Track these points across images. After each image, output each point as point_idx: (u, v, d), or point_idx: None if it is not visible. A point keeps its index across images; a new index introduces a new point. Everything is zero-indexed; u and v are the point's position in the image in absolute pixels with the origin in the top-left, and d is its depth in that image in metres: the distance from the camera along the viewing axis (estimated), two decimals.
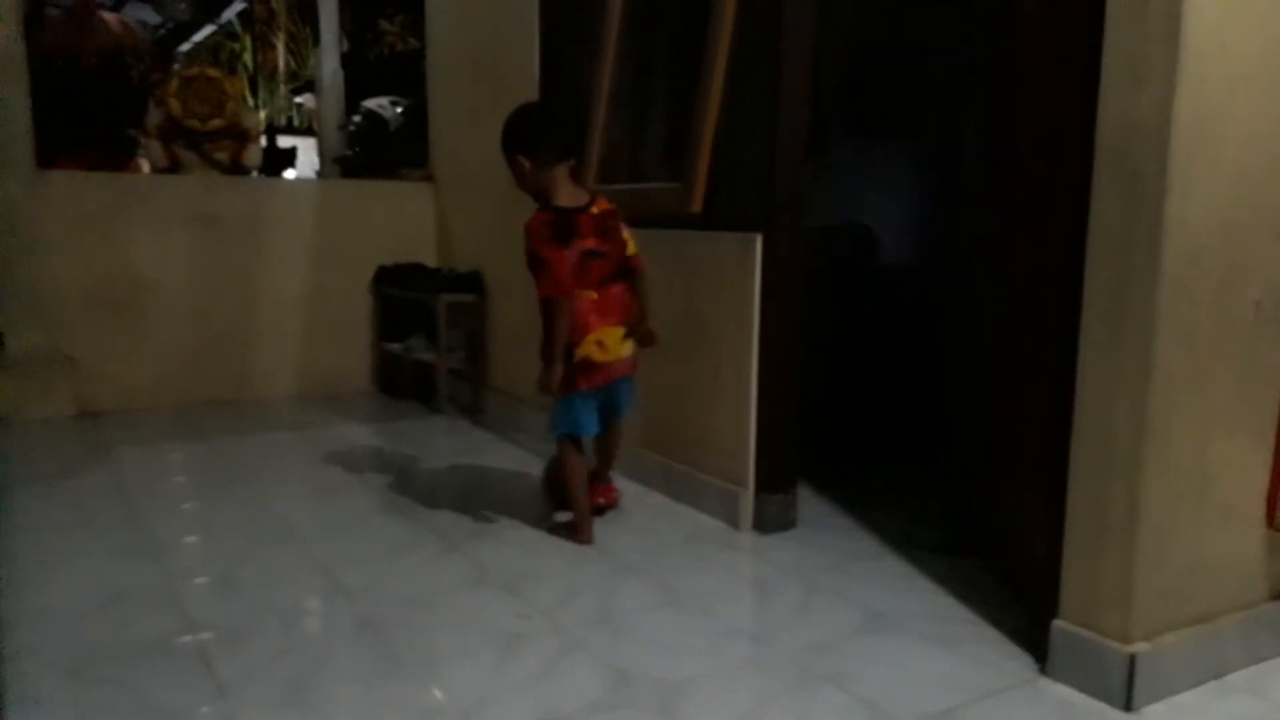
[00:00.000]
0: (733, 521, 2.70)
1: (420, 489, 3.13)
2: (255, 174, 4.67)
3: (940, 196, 4.25)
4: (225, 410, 4.17)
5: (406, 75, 5.28)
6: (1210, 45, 1.59)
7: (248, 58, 10.71)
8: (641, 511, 2.87)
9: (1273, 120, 1.72)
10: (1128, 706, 1.70)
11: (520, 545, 2.56)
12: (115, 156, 4.55)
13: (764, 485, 2.66)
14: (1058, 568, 1.82)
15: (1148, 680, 1.71)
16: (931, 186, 4.32)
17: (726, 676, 1.85)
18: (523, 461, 3.40)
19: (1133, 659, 1.70)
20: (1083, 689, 1.77)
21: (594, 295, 2.46)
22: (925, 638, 2.02)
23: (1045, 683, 1.81)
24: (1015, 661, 1.90)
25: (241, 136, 4.56)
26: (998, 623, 2.07)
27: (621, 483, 3.12)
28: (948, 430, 2.70)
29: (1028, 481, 2.07)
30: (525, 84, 3.68)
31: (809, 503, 2.85)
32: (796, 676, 1.84)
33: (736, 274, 2.65)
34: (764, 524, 2.66)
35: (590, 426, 2.56)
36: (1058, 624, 1.81)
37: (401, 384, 4.59)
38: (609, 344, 2.48)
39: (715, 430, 2.79)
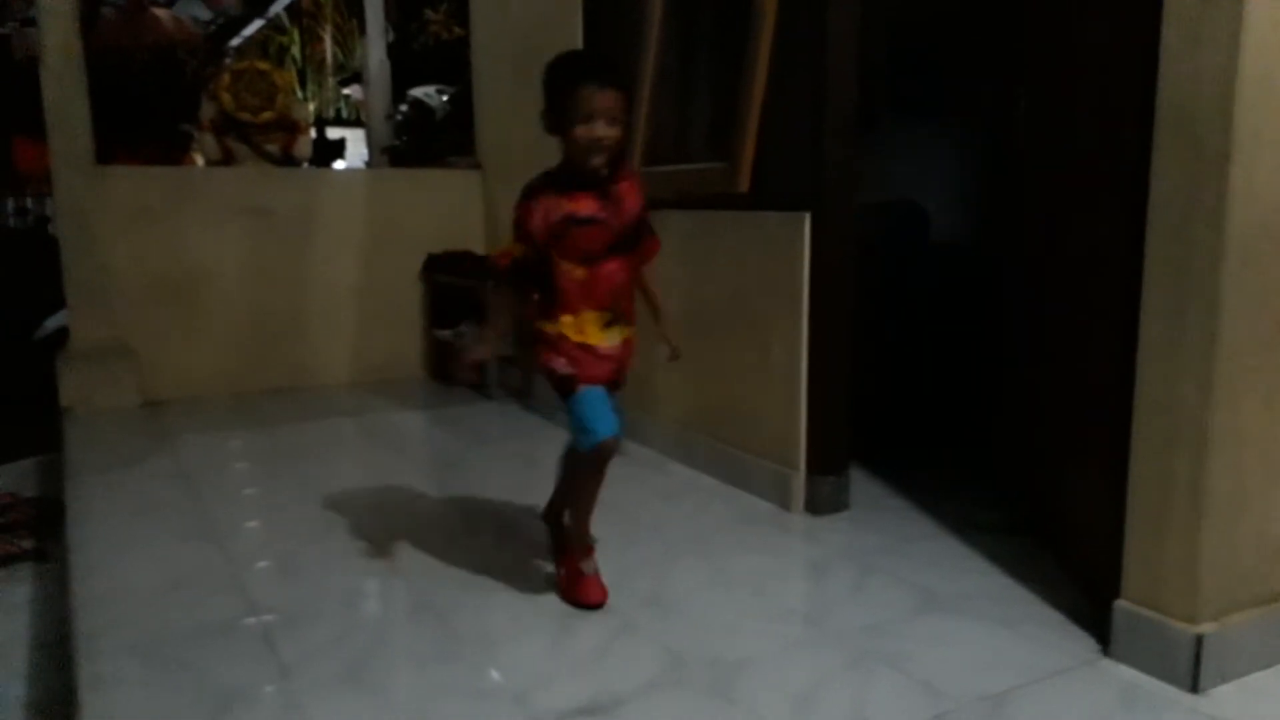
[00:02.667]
0: (785, 504, 2.68)
1: (474, 472, 3.16)
2: (305, 165, 4.74)
3: (992, 172, 4.16)
4: (282, 398, 4.24)
5: (452, 64, 5.30)
6: (1275, 4, 1.54)
7: (296, 51, 10.84)
8: (693, 494, 2.87)
9: None
10: (1194, 688, 1.67)
11: None
12: (171, 150, 4.65)
13: (816, 467, 2.65)
14: (1120, 547, 1.78)
15: (1215, 662, 1.67)
16: (983, 162, 4.23)
17: (781, 657, 1.85)
18: None
19: (1199, 640, 1.66)
20: (1147, 670, 1.73)
21: (580, 273, 1.97)
22: (982, 618, 1.99)
23: (1107, 664, 1.78)
24: (1076, 643, 1.87)
25: (292, 128, 4.63)
26: (1057, 604, 2.04)
27: (672, 466, 3.12)
28: (1002, 410, 2.65)
29: (1088, 459, 2.03)
30: None
31: (861, 485, 2.83)
32: (852, 657, 1.83)
33: (785, 253, 2.63)
34: (816, 506, 2.64)
35: (606, 421, 2.00)
36: (1120, 604, 1.78)
37: (452, 370, 4.63)
38: (589, 328, 2.01)
39: (766, 412, 2.77)
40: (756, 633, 1.95)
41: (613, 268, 1.99)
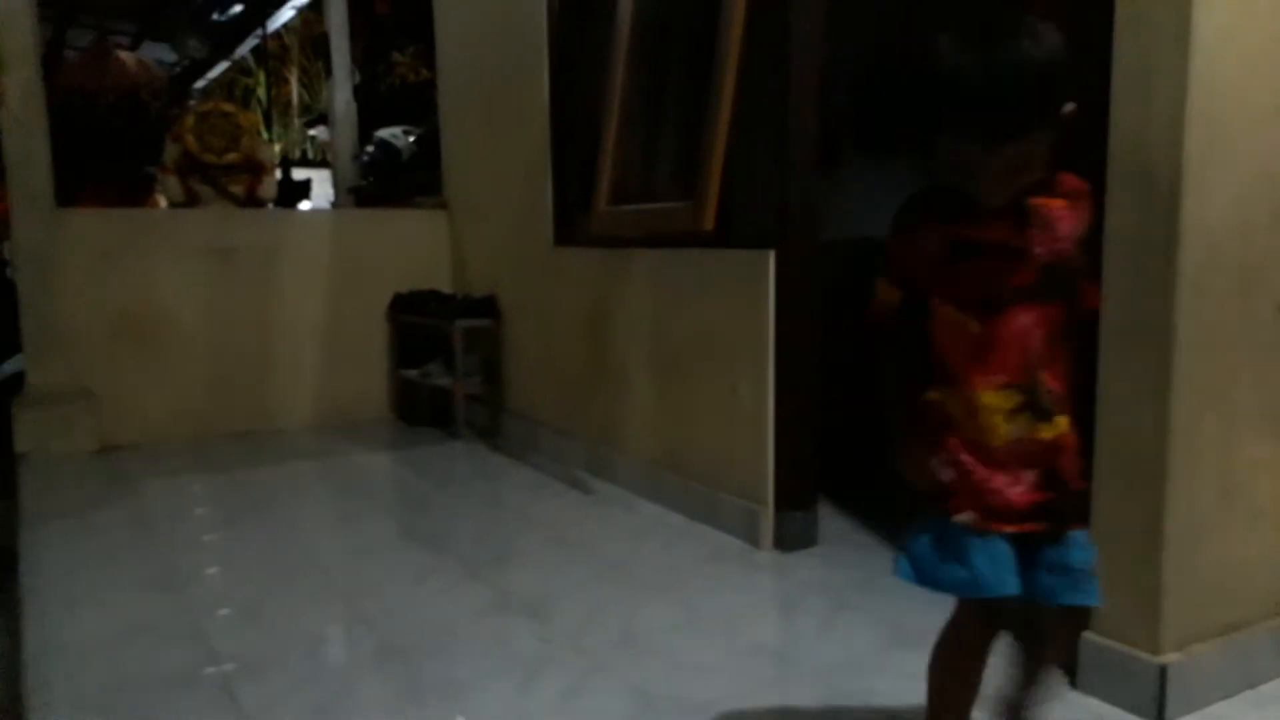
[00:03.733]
0: (753, 540, 2.68)
1: (440, 515, 3.12)
2: (270, 206, 4.72)
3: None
4: (245, 441, 4.18)
5: (419, 105, 5.33)
6: (1220, 41, 1.58)
7: (261, 92, 10.85)
8: (661, 531, 2.85)
9: None
10: (1160, 718, 1.67)
11: (541, 568, 2.55)
12: (134, 193, 4.62)
13: (784, 503, 2.65)
14: None
15: (1180, 691, 1.68)
16: None
17: (752, 696, 1.83)
18: (541, 485, 3.40)
19: (1164, 670, 1.67)
20: (1114, 702, 1.73)
21: (975, 326, 1.32)
22: None
23: (1075, 696, 1.78)
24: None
25: (257, 169, 4.61)
26: None
27: (641, 503, 3.11)
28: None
29: None
30: (536, 109, 3.70)
31: (830, 520, 2.83)
32: (823, 695, 1.82)
33: (751, 291, 2.65)
34: (785, 542, 2.64)
35: (996, 578, 1.31)
36: (1086, 636, 1.78)
37: (419, 411, 4.60)
38: (982, 413, 1.32)
39: (734, 448, 2.77)
40: (727, 672, 1.93)
41: (1026, 320, 1.30)
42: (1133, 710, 1.70)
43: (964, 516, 1.33)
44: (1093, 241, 1.38)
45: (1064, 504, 1.33)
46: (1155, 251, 1.62)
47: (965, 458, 1.33)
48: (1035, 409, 1.32)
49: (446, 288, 4.64)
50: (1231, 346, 1.69)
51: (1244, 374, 1.72)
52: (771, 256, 2.58)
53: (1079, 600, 1.33)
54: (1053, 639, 1.47)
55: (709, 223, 2.77)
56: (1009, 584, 1.30)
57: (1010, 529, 1.30)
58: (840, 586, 2.38)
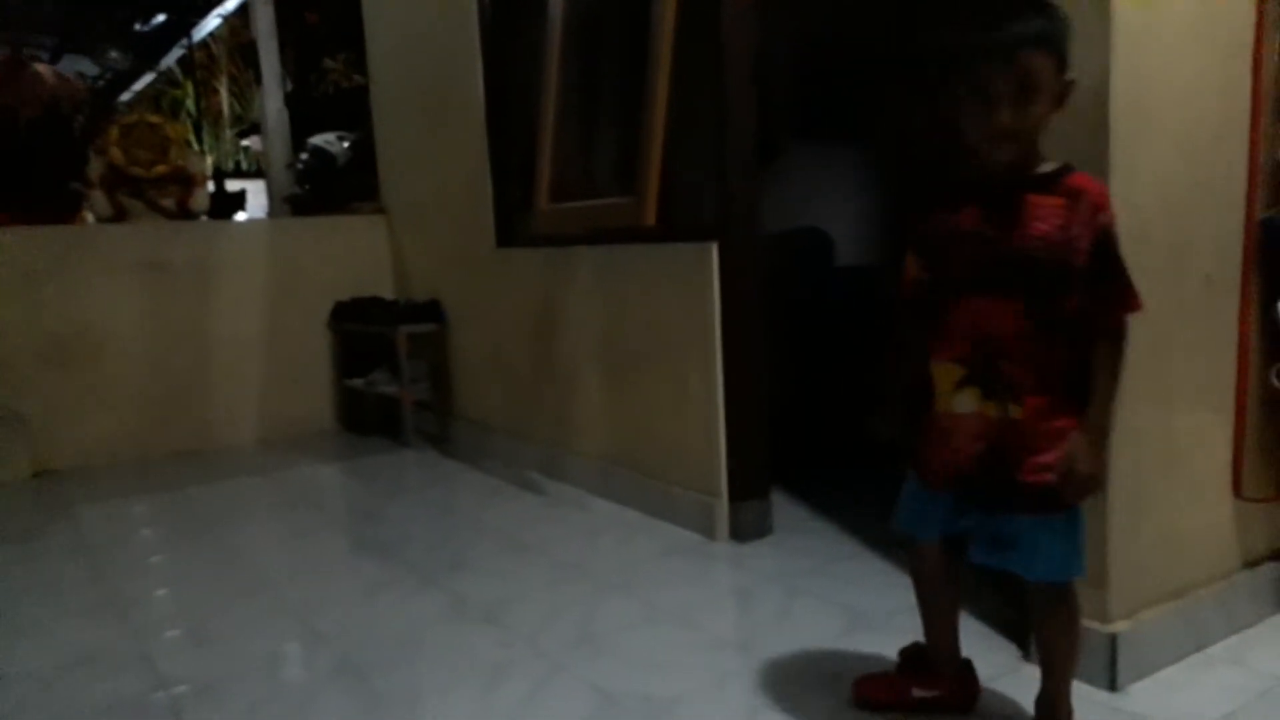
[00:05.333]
0: (709, 532, 2.68)
1: (392, 524, 3.08)
2: (204, 218, 4.61)
3: (890, 195, 4.29)
4: (187, 461, 4.08)
5: (353, 111, 5.25)
6: (1142, 24, 1.62)
7: (190, 104, 10.61)
8: (616, 529, 2.84)
9: (1213, 91, 1.75)
10: (1112, 686, 1.71)
11: (497, 573, 2.52)
12: (60, 210, 4.47)
13: (738, 494, 2.66)
14: None
15: (1131, 659, 1.72)
16: (881, 186, 4.36)
17: (714, 689, 1.83)
18: (494, 489, 3.37)
19: (1114, 639, 1.70)
20: None
21: (944, 304, 1.47)
22: (909, 634, 2.00)
23: (1030, 669, 1.80)
24: (1000, 652, 1.90)
25: (187, 181, 4.50)
26: (979, 614, 2.07)
27: (595, 501, 3.10)
28: (913, 422, 2.70)
29: None
30: (472, 110, 3.67)
31: (784, 508, 2.84)
32: (783, 682, 1.83)
33: (695, 284, 2.65)
34: (740, 532, 2.65)
35: (910, 522, 1.59)
36: None
37: (367, 420, 4.53)
38: (937, 384, 1.50)
39: (686, 442, 2.78)
40: (688, 666, 1.93)
41: (982, 305, 1.40)
42: (1085, 679, 1.73)
43: (911, 472, 1.55)
44: (1103, 249, 1.37)
45: (998, 481, 1.42)
46: None
47: (929, 423, 1.50)
48: (985, 387, 1.41)
49: (389, 294, 4.58)
50: (1164, 320, 1.73)
51: (1178, 347, 1.77)
52: (715, 249, 2.59)
53: (995, 564, 1.47)
54: (1034, 618, 1.58)
55: (651, 217, 2.76)
56: (922, 529, 1.56)
57: (939, 487, 1.50)
58: (796, 574, 2.39)
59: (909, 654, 1.75)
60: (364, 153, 4.92)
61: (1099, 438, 1.38)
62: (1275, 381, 1.89)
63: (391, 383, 4.21)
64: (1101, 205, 1.36)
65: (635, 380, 2.97)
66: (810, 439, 3.27)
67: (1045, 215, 1.35)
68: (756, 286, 2.62)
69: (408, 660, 2.02)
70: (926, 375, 1.51)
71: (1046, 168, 1.39)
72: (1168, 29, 1.67)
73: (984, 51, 1.31)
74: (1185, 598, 1.82)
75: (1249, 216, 1.84)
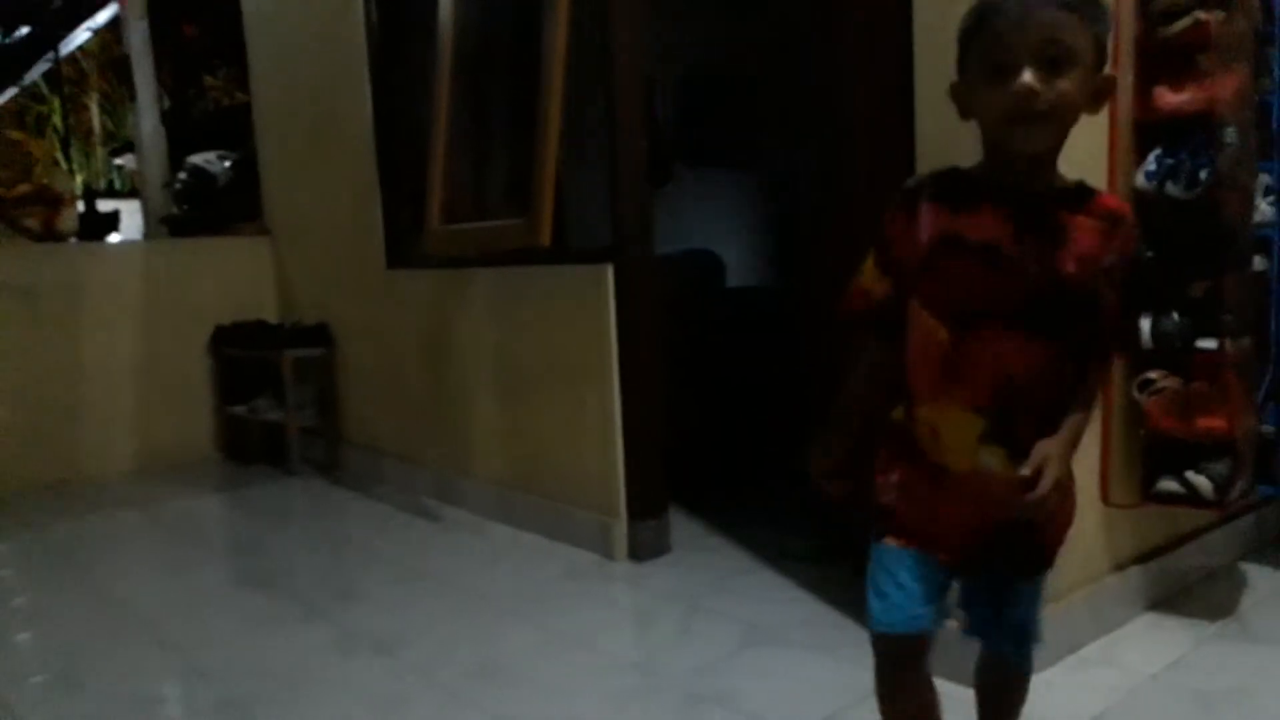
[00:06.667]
0: (608, 553, 2.68)
1: (277, 556, 2.97)
2: (72, 240, 4.38)
3: (778, 218, 4.40)
4: (55, 494, 3.85)
5: (235, 129, 5.09)
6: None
7: (58, 120, 10.09)
8: (515, 553, 2.81)
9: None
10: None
11: (389, 604, 2.46)
12: None
13: (636, 513, 2.66)
14: None
15: (1053, 644, 1.76)
16: (770, 209, 4.48)
17: (615, 711, 1.82)
18: (386, 517, 3.29)
19: None
20: (957, 680, 1.82)
21: (944, 335, 1.14)
22: (804, 646, 2.05)
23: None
24: None
25: (53, 201, 4.27)
26: None
27: (493, 526, 3.05)
28: (803, 438, 2.76)
29: None
30: (360, 129, 3.60)
31: (682, 526, 2.86)
32: (683, 701, 1.83)
33: (591, 304, 2.65)
34: (639, 552, 2.65)
35: (897, 608, 1.22)
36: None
37: (251, 448, 4.37)
38: (945, 435, 1.16)
39: (583, 462, 2.77)
40: (588, 689, 1.92)
41: (1005, 346, 1.11)
42: (969, 684, 1.78)
43: (891, 541, 1.22)
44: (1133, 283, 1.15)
45: (1020, 544, 1.20)
46: None
47: (914, 484, 1.19)
48: (1010, 447, 1.12)
49: (273, 317, 4.43)
50: None
51: None
52: (610, 270, 2.60)
53: (997, 648, 1.31)
54: (993, 688, 1.40)
55: (546, 238, 2.75)
56: (914, 617, 1.20)
57: (943, 556, 1.19)
58: (694, 592, 2.41)
59: None
60: (246, 172, 4.76)
61: (1070, 449, 1.14)
62: (1136, 394, 2.00)
63: (276, 409, 4.07)
64: (1135, 236, 1.13)
65: (532, 402, 2.95)
66: (707, 456, 3.31)
67: (1084, 240, 1.09)
68: (652, 307, 2.65)
69: (295, 696, 1.94)
70: (886, 409, 1.24)
71: (1067, 182, 1.13)
72: None
73: (1001, 6, 1.03)
74: (1060, 602, 1.90)
75: None
